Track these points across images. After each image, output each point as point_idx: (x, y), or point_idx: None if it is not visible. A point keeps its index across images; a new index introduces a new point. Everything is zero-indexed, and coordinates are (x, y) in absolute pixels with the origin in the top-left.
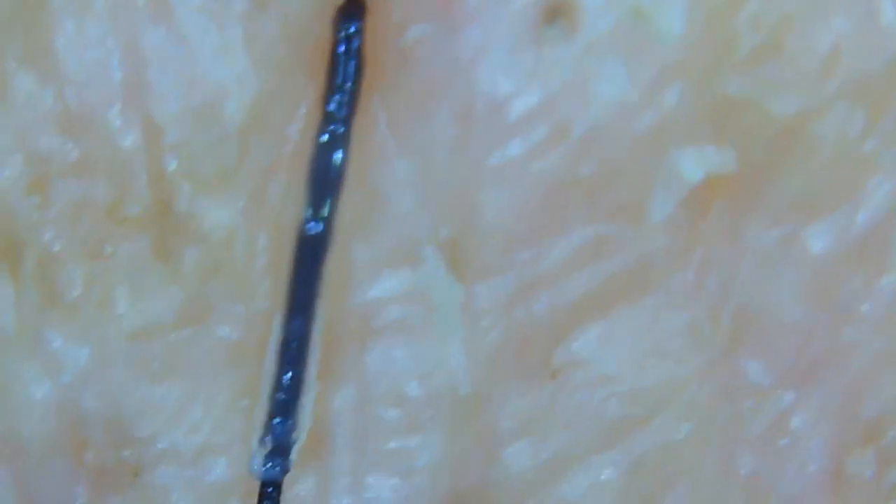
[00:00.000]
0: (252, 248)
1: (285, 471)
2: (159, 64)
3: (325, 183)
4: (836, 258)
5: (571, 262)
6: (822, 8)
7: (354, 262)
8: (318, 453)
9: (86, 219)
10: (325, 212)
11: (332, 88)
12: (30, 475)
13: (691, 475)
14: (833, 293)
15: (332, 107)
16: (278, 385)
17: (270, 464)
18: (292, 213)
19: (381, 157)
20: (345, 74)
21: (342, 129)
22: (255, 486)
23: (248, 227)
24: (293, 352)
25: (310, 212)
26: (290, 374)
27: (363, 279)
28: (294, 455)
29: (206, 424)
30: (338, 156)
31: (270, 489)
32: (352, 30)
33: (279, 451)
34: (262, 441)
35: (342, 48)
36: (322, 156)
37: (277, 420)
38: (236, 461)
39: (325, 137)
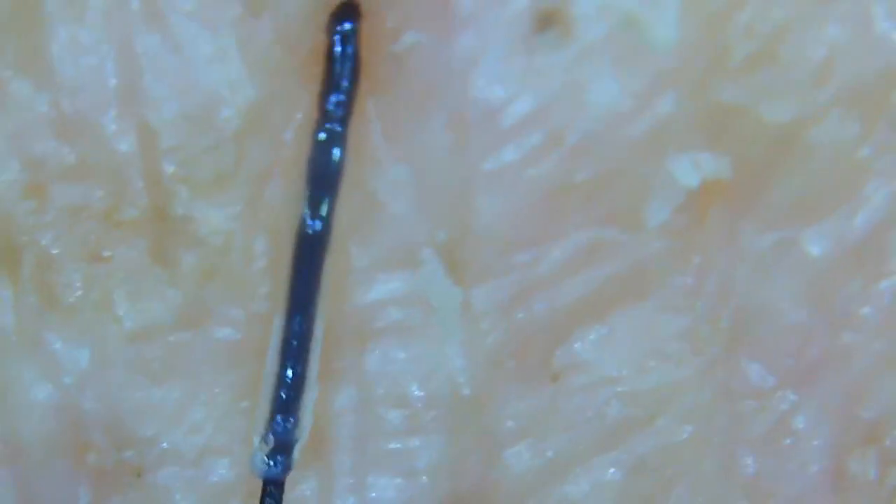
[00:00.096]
0: (249, 251)
1: (287, 469)
2: (154, 69)
3: (323, 182)
4: (833, 262)
5: (569, 266)
6: (816, 16)
7: (353, 265)
8: (319, 454)
9: (83, 222)
10: (324, 210)
11: (329, 88)
12: (31, 477)
13: (692, 476)
14: (831, 296)
15: (329, 106)
16: (280, 383)
17: (272, 462)
18: (289, 216)
19: (378, 162)
20: (342, 74)
21: (339, 129)
22: (257, 487)
23: (245, 231)
24: (294, 350)
25: (308, 210)
26: (291, 372)
27: (362, 282)
28: (296, 454)
29: (207, 425)
30: (336, 154)
31: (272, 489)
32: (346, 28)
33: (281, 449)
34: (264, 439)
35: (338, 48)
36: (320, 154)
37: (279, 418)
38: (238, 462)
39: (323, 136)
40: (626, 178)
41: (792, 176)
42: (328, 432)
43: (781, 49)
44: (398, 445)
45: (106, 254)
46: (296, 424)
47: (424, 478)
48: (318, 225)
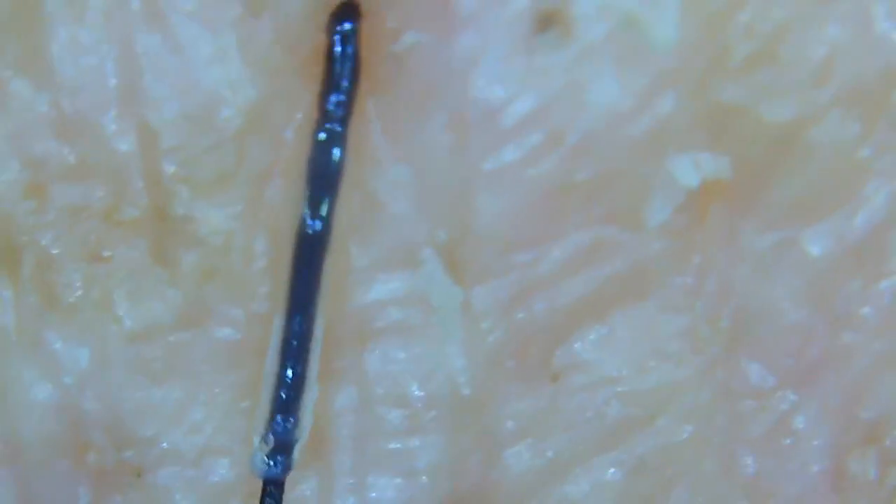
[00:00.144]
0: (250, 251)
1: (287, 469)
2: (154, 69)
3: (323, 181)
4: (833, 262)
5: (570, 265)
6: (816, 16)
7: (353, 265)
8: (319, 454)
9: (83, 222)
10: (324, 210)
11: (329, 87)
12: (31, 476)
13: (692, 476)
14: (831, 296)
15: (329, 106)
16: (280, 383)
17: (272, 462)
18: (289, 215)
19: (378, 162)
20: (342, 73)
21: (340, 128)
22: (257, 487)
23: (245, 230)
24: (294, 350)
25: (308, 210)
26: (291, 372)
27: (362, 282)
28: (296, 454)
29: (207, 425)
30: (336, 154)
31: (272, 489)
32: (346, 28)
33: (281, 449)
34: (264, 439)
35: (338, 48)
36: (320, 154)
37: (279, 418)
38: (238, 462)
39: (323, 136)
40: (626, 178)
41: (792, 176)
42: (328, 432)
43: (781, 49)
44: (398, 445)
45: (106, 254)
46: (296, 424)
47: (424, 478)
48: (318, 225)
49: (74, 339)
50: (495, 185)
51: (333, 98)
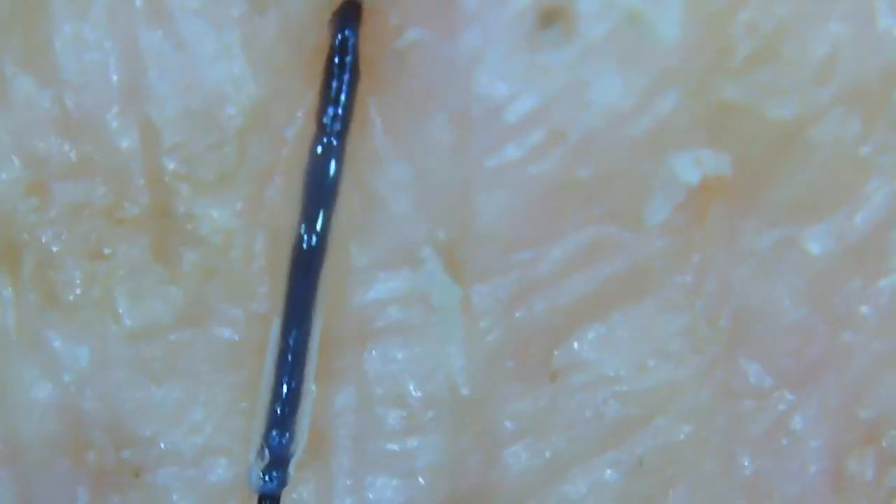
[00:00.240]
0: (250, 250)
1: (283, 484)
2: (157, 67)
3: (319, 196)
4: (833, 261)
5: (570, 264)
6: (818, 14)
7: (353, 265)
8: (318, 454)
9: (84, 220)
10: (320, 225)
11: (326, 100)
12: (30, 476)
13: (691, 476)
14: (831, 295)
15: (326, 119)
16: (276, 398)
17: (268, 477)
18: (290, 214)
19: (379, 160)
20: (339, 86)
21: (336, 142)
22: None
23: (246, 229)
24: (290, 365)
25: (304, 225)
26: (287, 387)
27: (362, 281)
28: (292, 468)
29: (206, 425)
30: (332, 168)
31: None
32: (347, 33)
33: (277, 464)
34: (259, 454)
35: (337, 59)
36: (316, 168)
37: (275, 433)
38: (237, 462)
39: (320, 150)
40: (626, 177)
41: (792, 174)
42: (327, 432)
43: (783, 47)
44: (397, 446)
45: (107, 251)
46: (291, 439)
47: (423, 478)
48: (314, 240)
49: (74, 337)
50: (496, 183)
51: (332, 106)
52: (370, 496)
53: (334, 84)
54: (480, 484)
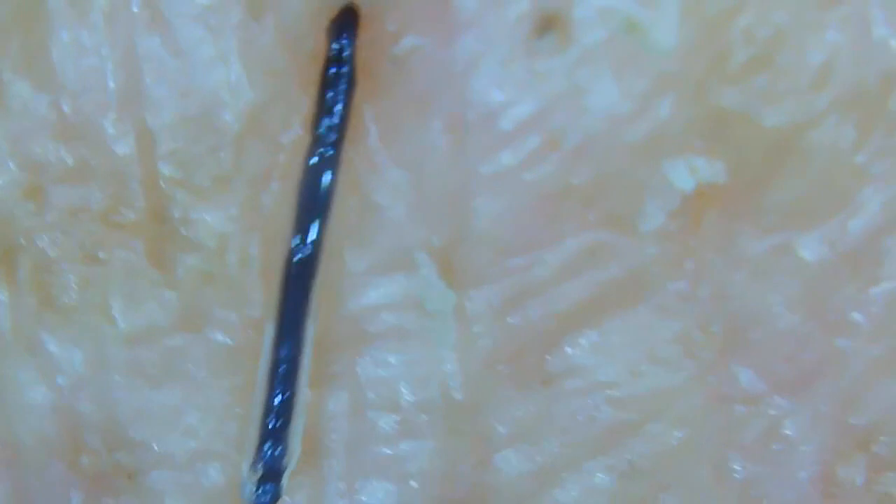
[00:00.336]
0: (246, 255)
1: (277, 497)
2: (154, 72)
3: (313, 207)
4: (828, 267)
5: (564, 270)
6: (814, 21)
7: (348, 270)
8: (312, 459)
9: (81, 224)
10: (314, 236)
11: (321, 110)
12: (26, 479)
13: (684, 482)
14: (825, 302)
15: (321, 130)
16: (269, 410)
17: (262, 490)
18: (286, 220)
19: (375, 166)
20: (335, 97)
21: (331, 153)
22: None
23: (241, 234)
24: (283, 377)
25: (298, 237)
26: (280, 399)
27: (357, 286)
28: (285, 481)
29: (201, 429)
30: (326, 179)
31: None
32: (343, 43)
33: (270, 477)
34: (253, 467)
35: (333, 69)
36: (311, 179)
37: (268, 446)
38: (231, 467)
39: (315, 160)
40: (622, 183)
41: (787, 181)
42: (320, 437)
43: (779, 54)
44: (390, 450)
45: (103, 256)
46: (284, 452)
47: (416, 483)
48: (308, 251)
49: (70, 341)
50: (492, 189)
51: (327, 117)
52: (363, 500)
53: (329, 95)
54: (473, 488)
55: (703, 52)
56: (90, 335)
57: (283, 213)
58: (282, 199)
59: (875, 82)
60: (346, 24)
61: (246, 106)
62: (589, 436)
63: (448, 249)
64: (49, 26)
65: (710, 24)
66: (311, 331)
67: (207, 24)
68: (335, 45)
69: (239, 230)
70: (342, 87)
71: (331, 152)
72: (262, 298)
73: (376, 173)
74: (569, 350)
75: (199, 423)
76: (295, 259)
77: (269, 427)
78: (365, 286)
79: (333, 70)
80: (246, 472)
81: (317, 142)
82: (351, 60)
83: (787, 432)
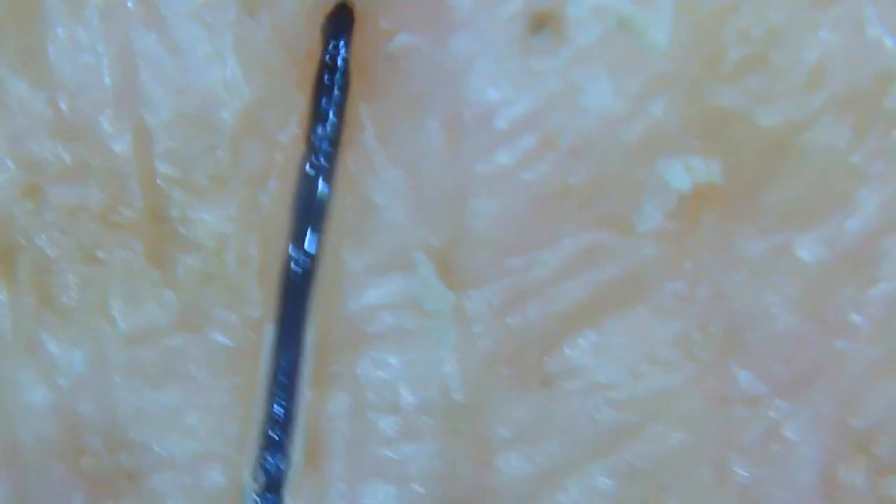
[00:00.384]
0: (244, 255)
1: None
2: (151, 70)
3: (309, 216)
4: (826, 268)
5: (563, 271)
6: (809, 20)
7: (346, 270)
8: (312, 461)
9: (79, 223)
10: (310, 247)
11: (316, 118)
12: (26, 480)
13: (684, 483)
14: (824, 303)
15: (315, 139)
16: (269, 421)
17: (263, 501)
18: (283, 219)
19: (371, 166)
20: (329, 105)
21: (326, 162)
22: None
23: (239, 233)
24: (283, 387)
25: (294, 248)
26: (280, 410)
27: (356, 287)
28: (286, 491)
29: (201, 430)
30: (322, 188)
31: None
32: (339, 45)
33: (272, 487)
34: (254, 477)
35: (327, 76)
36: (306, 188)
37: (269, 456)
38: (232, 468)
39: (310, 169)
40: (618, 183)
41: (784, 181)
42: (321, 439)
43: (774, 53)
44: (390, 452)
45: (101, 255)
46: (285, 463)
47: (417, 485)
48: (305, 262)
49: (70, 341)
50: (489, 188)
51: (321, 126)
52: (364, 502)
53: (323, 102)
54: (474, 490)
55: (697, 52)
56: (90, 335)
57: (281, 212)
58: (279, 198)
59: (870, 82)
60: (340, 22)
61: (242, 104)
62: (589, 437)
63: (446, 249)
64: (45, 23)
65: (705, 24)
66: (311, 339)
67: (203, 22)
68: (330, 48)
69: (237, 230)
70: (336, 95)
71: (325, 161)
72: (261, 298)
73: (373, 173)
74: (568, 351)
75: (199, 423)
76: (292, 269)
77: (270, 438)
78: (363, 286)
79: (327, 77)
80: (247, 483)
81: (311, 150)
82: (345, 69)
83: (787, 434)
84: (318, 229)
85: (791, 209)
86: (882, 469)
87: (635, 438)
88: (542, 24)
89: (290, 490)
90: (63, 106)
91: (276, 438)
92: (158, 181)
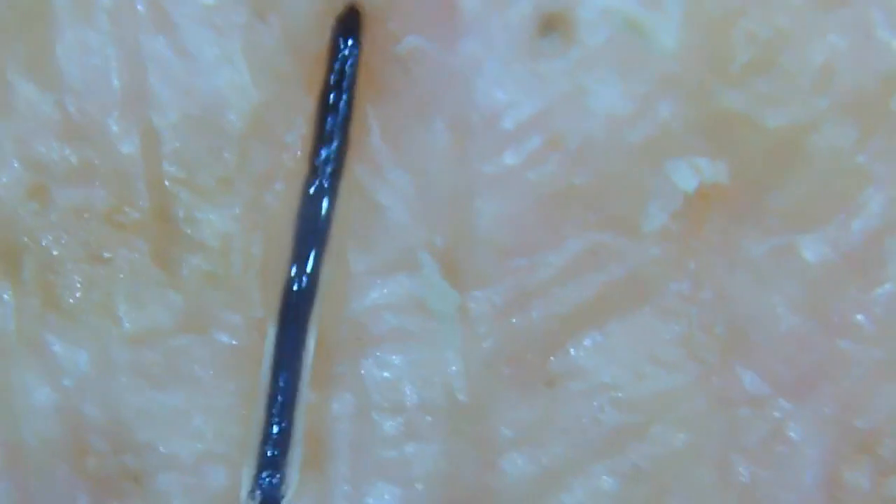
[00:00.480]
0: (249, 256)
1: None
2: (159, 72)
3: (311, 237)
4: (830, 269)
5: (567, 272)
6: (816, 23)
7: (351, 271)
8: (316, 461)
9: (85, 224)
10: (311, 265)
11: (320, 139)
12: (30, 481)
13: (687, 484)
14: (828, 304)
15: (319, 161)
16: (267, 439)
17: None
18: (288, 221)
19: (378, 167)
20: (333, 128)
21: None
22: None
23: (245, 235)
24: (280, 406)
25: (295, 267)
26: (278, 427)
27: (360, 287)
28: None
29: (206, 431)
30: (324, 208)
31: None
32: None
33: (272, 490)
34: (251, 495)
35: (335, 79)
36: (308, 208)
37: (266, 474)
38: (236, 469)
39: (313, 190)
40: (624, 184)
41: (790, 182)
42: (324, 440)
43: (782, 56)
44: (394, 452)
45: (107, 255)
46: (282, 480)
47: (421, 485)
48: (305, 280)
49: (74, 341)
50: (495, 189)
51: (325, 147)
52: (368, 503)
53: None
54: (478, 490)
55: (705, 54)
56: (95, 336)
57: (287, 213)
58: (285, 199)
59: (876, 84)
60: (350, 24)
61: (250, 106)
62: (593, 438)
63: (451, 250)
64: (54, 26)
65: (713, 26)
66: (314, 339)
67: (212, 25)
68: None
69: (242, 230)
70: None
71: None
72: (265, 299)
73: (379, 174)
74: (572, 351)
75: (204, 424)
76: (293, 290)
77: (268, 456)
78: (368, 287)
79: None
80: (244, 500)
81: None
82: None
83: (791, 435)
84: (323, 230)
85: (796, 210)
86: (886, 470)
87: (639, 439)
88: (550, 27)
89: (293, 491)
90: (71, 108)
91: (274, 458)
92: (165, 182)
